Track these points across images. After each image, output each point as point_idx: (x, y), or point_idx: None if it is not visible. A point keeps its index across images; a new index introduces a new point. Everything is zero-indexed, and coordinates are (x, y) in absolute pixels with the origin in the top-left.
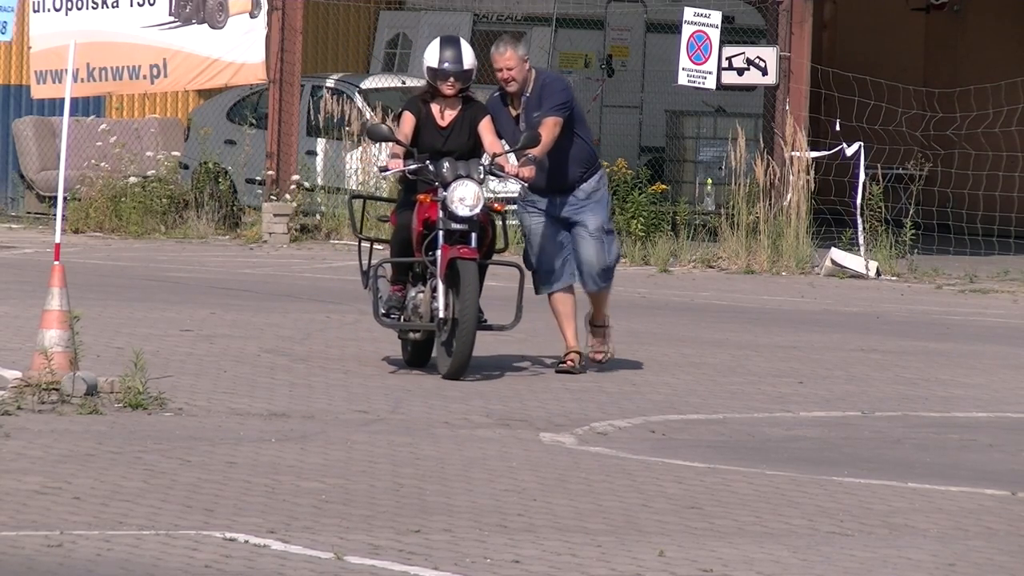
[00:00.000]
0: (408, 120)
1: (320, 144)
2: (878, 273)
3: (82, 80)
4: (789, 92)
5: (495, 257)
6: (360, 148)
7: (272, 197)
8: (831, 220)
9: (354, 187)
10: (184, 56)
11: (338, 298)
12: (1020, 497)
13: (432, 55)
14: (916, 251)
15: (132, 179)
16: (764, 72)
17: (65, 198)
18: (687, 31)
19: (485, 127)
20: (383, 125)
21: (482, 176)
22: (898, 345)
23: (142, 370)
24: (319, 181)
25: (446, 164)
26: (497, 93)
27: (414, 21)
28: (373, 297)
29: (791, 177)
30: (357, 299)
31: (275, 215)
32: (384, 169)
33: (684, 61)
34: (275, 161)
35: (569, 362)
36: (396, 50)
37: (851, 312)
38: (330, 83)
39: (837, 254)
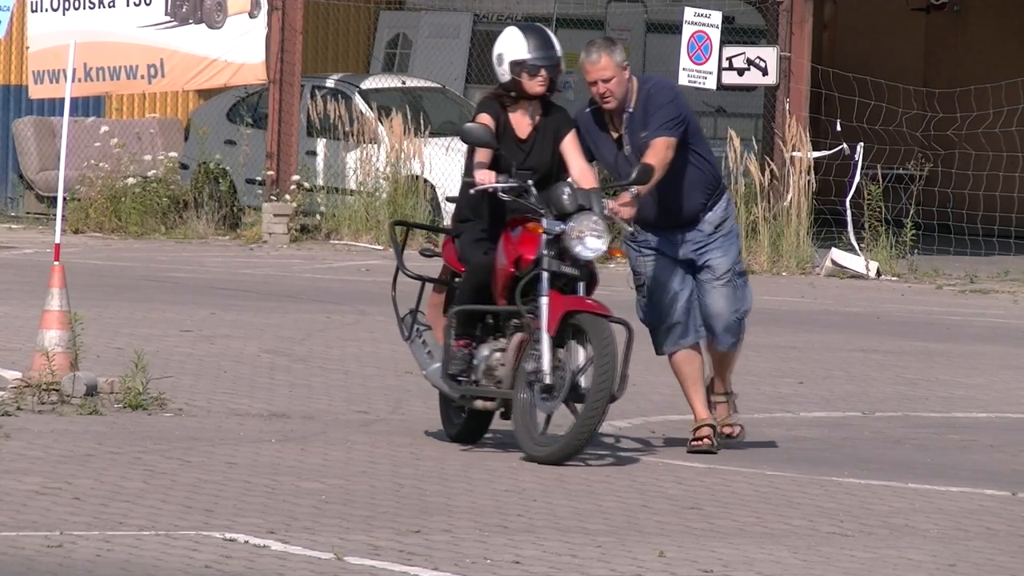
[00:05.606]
0: (488, 124)
1: (320, 144)
2: (878, 273)
3: (79, 80)
4: (789, 92)
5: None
6: (359, 148)
7: (272, 197)
8: (831, 220)
9: (353, 187)
10: (181, 56)
11: (338, 298)
12: (1020, 497)
13: (516, 46)
14: (916, 251)
15: (132, 180)
16: (764, 72)
17: (65, 198)
18: (687, 31)
19: (570, 145)
20: (484, 127)
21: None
22: (898, 345)
23: (142, 370)
24: (319, 181)
25: (567, 189)
26: (588, 109)
27: (414, 21)
28: (417, 354)
29: (791, 177)
30: (357, 299)
31: (275, 215)
32: (470, 184)
33: (684, 61)
34: (275, 161)
35: (705, 440)
36: (396, 50)
37: (851, 312)
38: (330, 83)
39: (837, 254)
